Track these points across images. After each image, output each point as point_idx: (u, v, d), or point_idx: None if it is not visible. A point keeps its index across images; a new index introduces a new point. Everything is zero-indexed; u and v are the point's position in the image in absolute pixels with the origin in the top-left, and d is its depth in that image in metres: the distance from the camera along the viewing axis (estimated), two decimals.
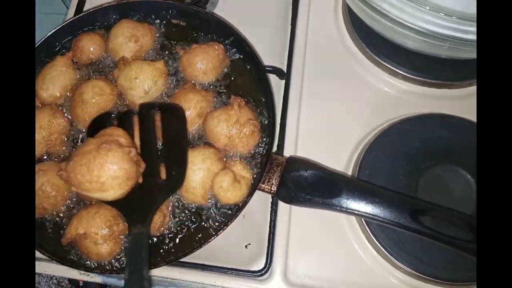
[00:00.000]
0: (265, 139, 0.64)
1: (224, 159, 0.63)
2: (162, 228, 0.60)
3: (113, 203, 0.57)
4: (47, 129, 0.63)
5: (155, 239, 0.60)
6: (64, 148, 0.65)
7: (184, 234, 0.61)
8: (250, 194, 0.60)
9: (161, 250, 0.60)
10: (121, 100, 0.67)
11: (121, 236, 0.59)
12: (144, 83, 0.65)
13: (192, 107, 0.64)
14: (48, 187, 0.59)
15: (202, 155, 0.61)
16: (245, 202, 0.60)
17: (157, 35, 0.72)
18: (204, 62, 0.67)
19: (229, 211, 0.61)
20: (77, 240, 0.58)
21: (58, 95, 0.67)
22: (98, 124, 0.63)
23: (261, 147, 0.64)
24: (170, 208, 0.61)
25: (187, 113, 0.64)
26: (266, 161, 0.60)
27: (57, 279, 0.91)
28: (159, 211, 0.59)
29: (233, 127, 0.62)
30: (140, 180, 0.58)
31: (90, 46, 0.69)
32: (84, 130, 0.65)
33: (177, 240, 0.61)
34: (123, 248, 0.59)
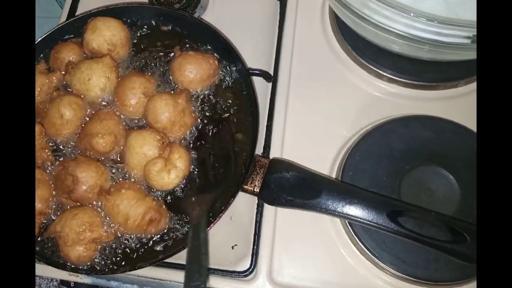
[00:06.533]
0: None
1: (165, 143, 0.65)
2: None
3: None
4: None
5: (143, 239, 0.62)
6: (47, 154, 0.65)
7: (170, 236, 0.62)
8: (233, 195, 0.61)
9: (148, 251, 0.61)
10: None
11: (94, 246, 0.60)
12: (99, 82, 0.67)
13: (137, 86, 0.66)
14: None
15: (142, 141, 0.63)
16: (229, 203, 0.61)
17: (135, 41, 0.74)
18: (194, 72, 0.68)
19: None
20: (56, 238, 0.60)
21: None
22: None
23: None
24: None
25: (133, 93, 0.66)
26: (250, 163, 0.62)
27: (57, 281, 0.92)
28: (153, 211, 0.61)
29: (178, 115, 0.65)
30: None
31: (69, 56, 0.70)
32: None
33: (164, 241, 0.62)
34: (97, 257, 0.61)
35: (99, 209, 0.62)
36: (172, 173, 0.62)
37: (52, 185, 0.64)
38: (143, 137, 0.64)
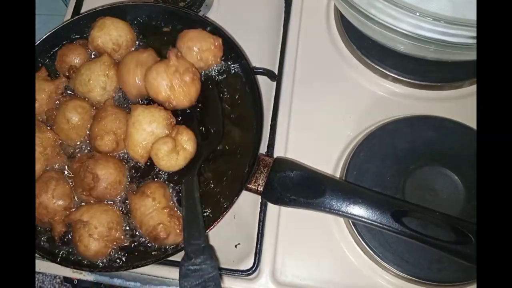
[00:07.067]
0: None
1: (173, 123, 0.64)
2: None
3: None
4: (40, 145, 0.63)
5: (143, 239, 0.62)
6: (60, 158, 0.66)
7: None
8: (237, 194, 0.61)
9: (150, 249, 0.61)
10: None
11: (112, 245, 0.60)
12: (98, 82, 0.67)
13: (132, 69, 0.66)
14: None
15: (150, 117, 0.63)
16: (232, 202, 0.61)
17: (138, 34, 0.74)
18: (194, 40, 0.67)
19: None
20: (75, 226, 0.60)
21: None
22: None
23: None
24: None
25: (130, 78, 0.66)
26: (253, 162, 0.62)
27: (61, 278, 0.92)
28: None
29: (174, 77, 0.63)
30: None
31: (75, 59, 0.70)
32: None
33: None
34: (108, 257, 0.61)
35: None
36: (181, 155, 0.62)
37: (71, 183, 0.64)
38: (152, 113, 0.63)
